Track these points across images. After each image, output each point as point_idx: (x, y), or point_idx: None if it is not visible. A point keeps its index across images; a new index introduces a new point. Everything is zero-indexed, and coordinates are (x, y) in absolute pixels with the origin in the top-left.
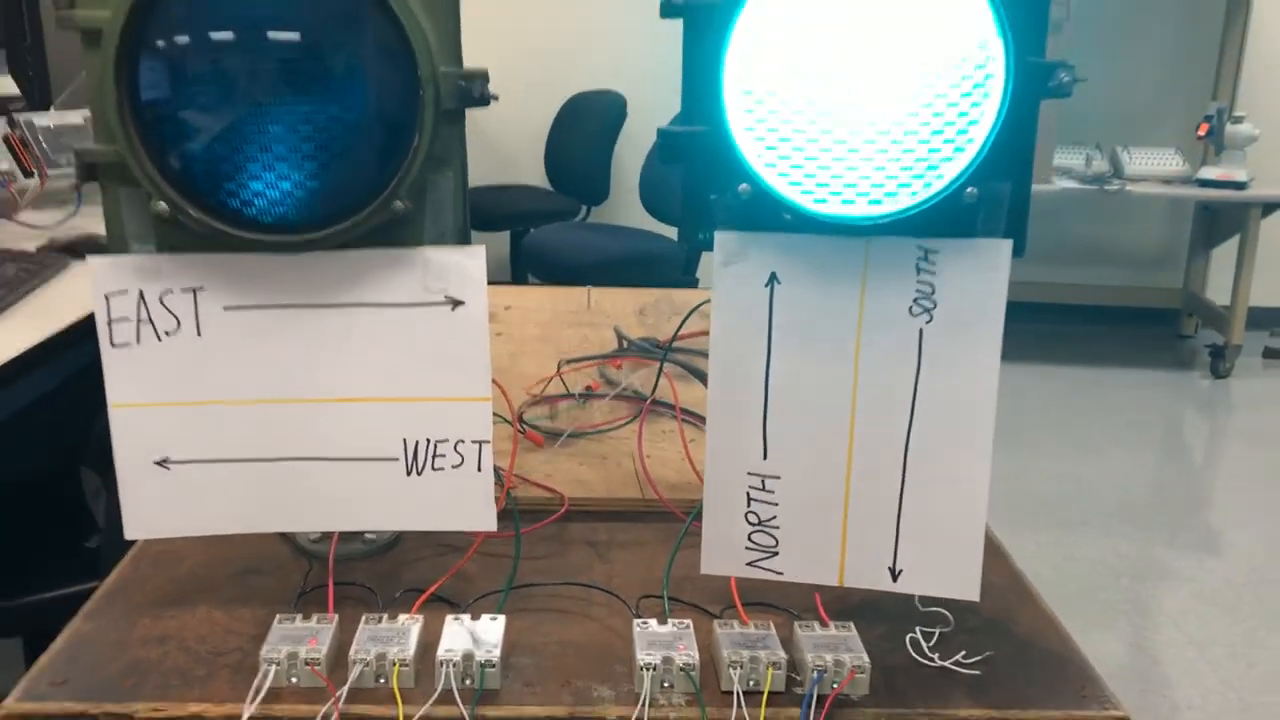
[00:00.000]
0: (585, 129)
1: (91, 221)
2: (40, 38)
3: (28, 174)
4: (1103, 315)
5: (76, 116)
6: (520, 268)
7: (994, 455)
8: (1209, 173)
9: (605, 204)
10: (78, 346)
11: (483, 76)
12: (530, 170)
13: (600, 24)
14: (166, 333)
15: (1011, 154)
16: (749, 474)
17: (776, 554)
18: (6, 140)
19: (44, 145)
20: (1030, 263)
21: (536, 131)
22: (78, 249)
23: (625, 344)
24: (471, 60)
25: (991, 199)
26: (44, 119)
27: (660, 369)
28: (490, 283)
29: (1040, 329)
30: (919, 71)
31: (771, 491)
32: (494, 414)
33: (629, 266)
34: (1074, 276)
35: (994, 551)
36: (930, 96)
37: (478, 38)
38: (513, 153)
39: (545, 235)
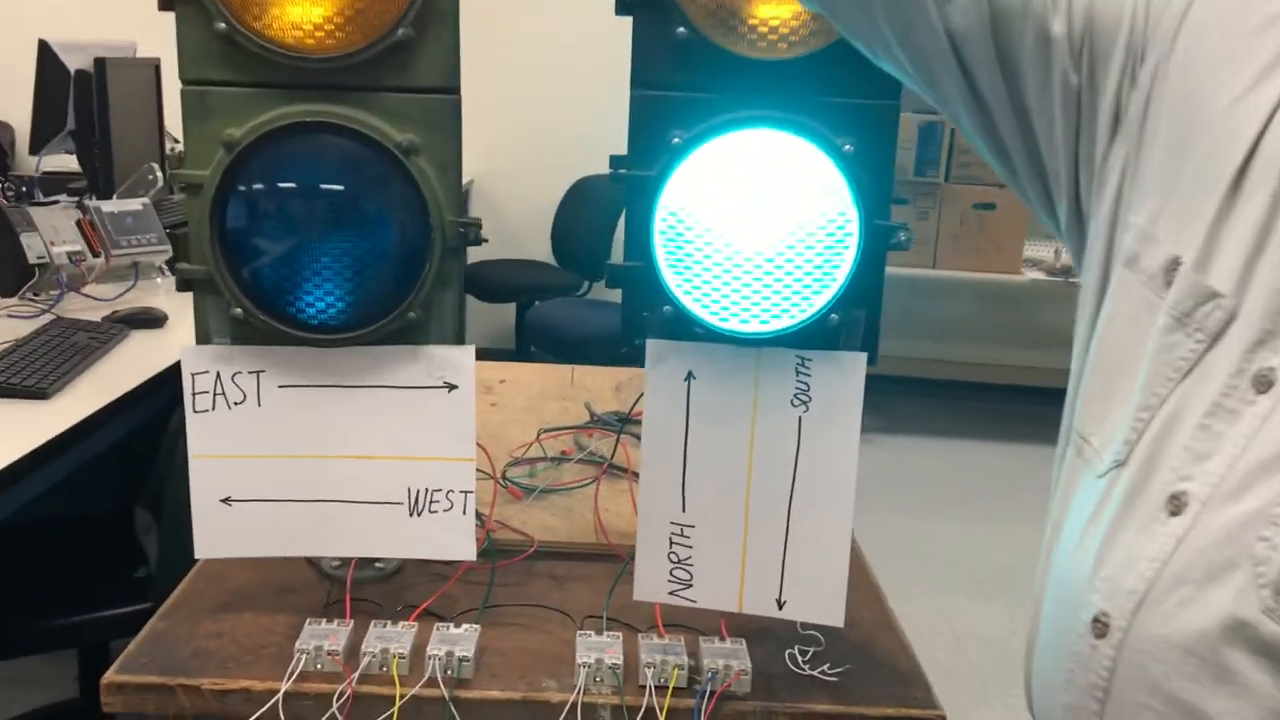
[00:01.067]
0: (590, 210)
1: (145, 295)
2: (108, 133)
3: (95, 254)
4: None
5: (136, 204)
6: (524, 338)
7: (965, 524)
8: None
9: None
10: (136, 406)
11: (476, 224)
12: (537, 246)
13: (608, 114)
14: (236, 403)
15: (864, 290)
16: (671, 523)
17: (691, 586)
18: (79, 224)
19: (108, 228)
20: (1001, 346)
21: (545, 210)
22: (135, 320)
23: (593, 417)
24: (492, 139)
25: (850, 323)
26: (109, 205)
27: (617, 439)
28: (494, 352)
29: (1012, 409)
30: (799, 228)
31: (688, 537)
32: (482, 472)
33: (621, 342)
34: (1045, 360)
35: (874, 595)
36: (804, 248)
37: (499, 121)
38: (522, 229)
39: (549, 310)
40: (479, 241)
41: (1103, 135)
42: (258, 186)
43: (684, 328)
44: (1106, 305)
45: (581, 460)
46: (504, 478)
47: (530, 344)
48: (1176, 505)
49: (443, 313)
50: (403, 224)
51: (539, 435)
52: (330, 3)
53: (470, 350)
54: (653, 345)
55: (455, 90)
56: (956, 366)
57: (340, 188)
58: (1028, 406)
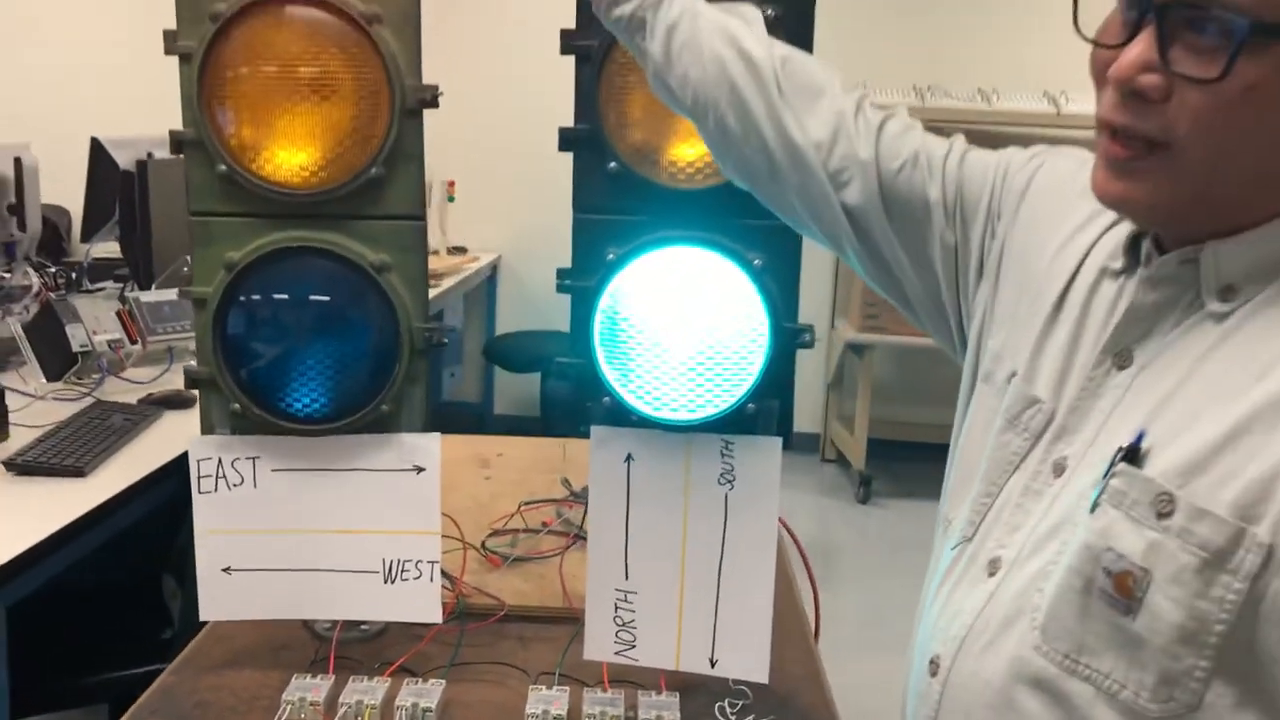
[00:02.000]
0: None
1: (178, 377)
2: (149, 227)
3: (133, 341)
4: None
5: (171, 294)
6: (548, 406)
7: None
8: None
9: None
10: (165, 481)
11: (439, 329)
12: (560, 317)
13: None
14: (235, 485)
15: (776, 383)
16: (615, 589)
17: (635, 646)
18: (119, 314)
19: (146, 317)
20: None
21: None
22: (169, 402)
23: (571, 492)
24: (521, 219)
25: (766, 411)
26: (147, 296)
27: (585, 510)
28: (519, 420)
29: None
30: (718, 331)
31: (631, 602)
32: (464, 542)
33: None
34: None
35: (808, 653)
36: (723, 348)
37: (529, 203)
38: (545, 303)
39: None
40: (444, 344)
41: (973, 279)
42: (254, 300)
43: (623, 416)
44: (969, 414)
45: (557, 531)
46: (484, 546)
47: (554, 412)
48: (993, 568)
49: (412, 405)
50: (377, 331)
51: (519, 507)
52: (314, 149)
53: (436, 437)
54: (596, 431)
55: (421, 217)
56: None
57: (323, 300)
58: None
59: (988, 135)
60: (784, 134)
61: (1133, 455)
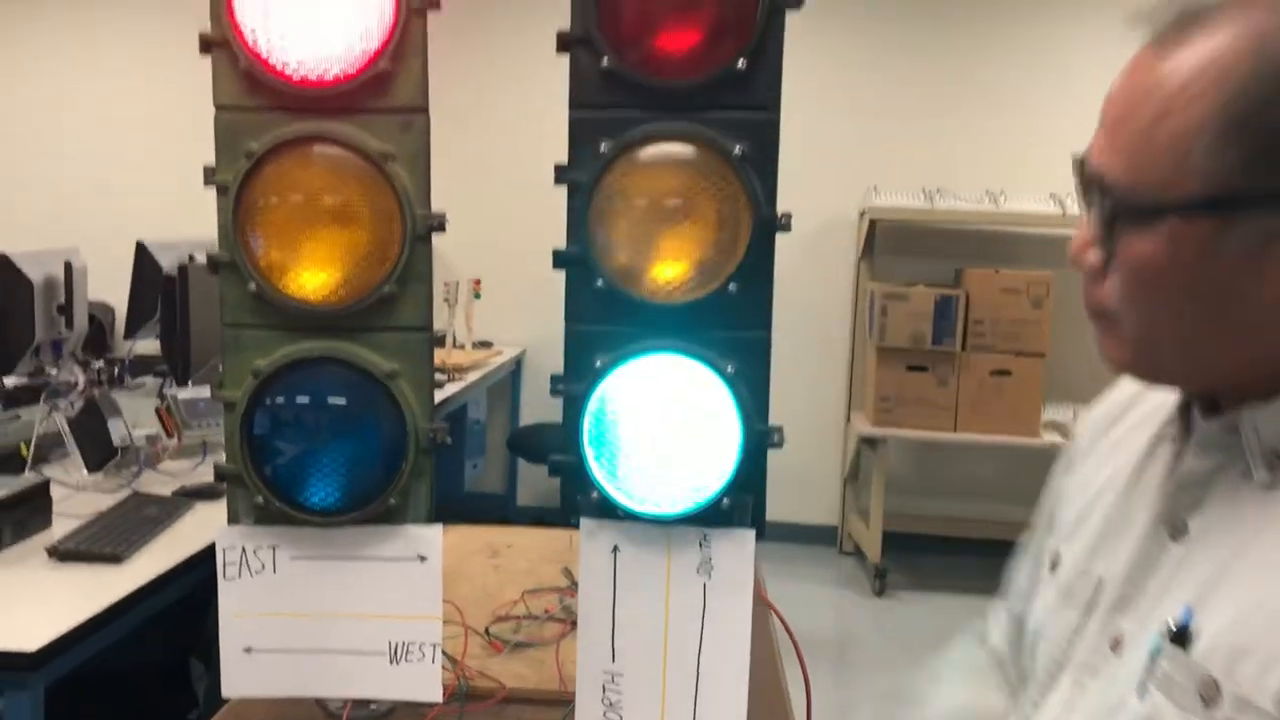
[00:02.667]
0: None
1: (211, 470)
2: (187, 328)
3: (169, 435)
4: None
5: (206, 391)
6: (569, 495)
7: None
8: None
9: None
10: (196, 569)
11: (444, 429)
12: None
13: None
14: (256, 572)
15: (749, 479)
16: (604, 672)
17: None
18: (157, 411)
19: (182, 412)
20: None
21: None
22: (201, 494)
23: (571, 581)
24: (544, 314)
25: (740, 506)
26: (183, 393)
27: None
28: (540, 510)
29: None
30: (695, 432)
31: (618, 684)
32: (467, 627)
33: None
34: None
35: None
36: (699, 448)
37: (552, 299)
38: None
39: None
40: (448, 444)
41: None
42: (277, 403)
43: (609, 509)
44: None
45: (557, 618)
46: (488, 632)
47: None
48: None
49: (417, 499)
50: (386, 432)
51: (522, 595)
52: (334, 270)
53: (437, 529)
54: (585, 523)
55: (428, 328)
56: (978, 524)
57: (339, 404)
58: None
59: (996, 235)
60: None
61: (1181, 635)
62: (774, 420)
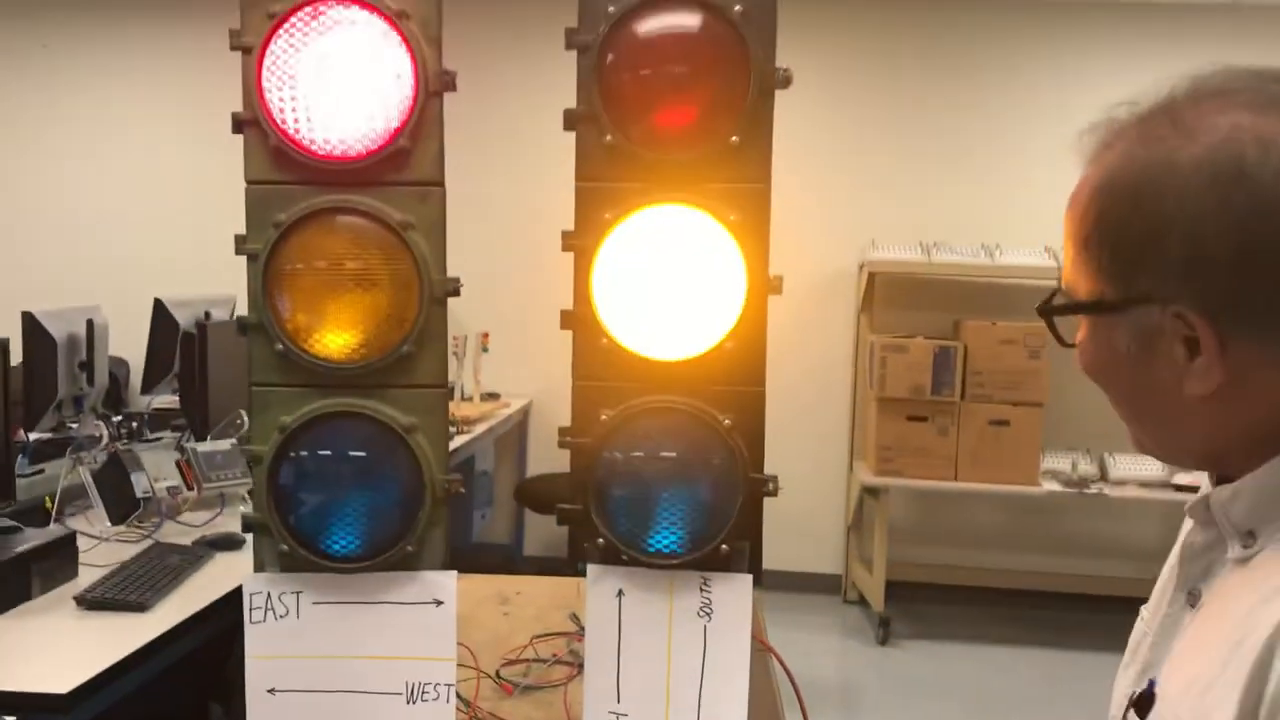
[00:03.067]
0: None
1: (229, 521)
2: (206, 385)
3: (189, 487)
4: (1106, 604)
5: (225, 444)
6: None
7: None
8: (1181, 478)
9: None
10: (214, 617)
11: (457, 480)
12: None
13: None
14: (281, 616)
15: (747, 527)
16: (609, 712)
17: None
18: (177, 464)
19: (202, 465)
20: (1023, 554)
21: None
22: (220, 544)
23: (579, 626)
24: (548, 365)
25: (738, 552)
26: (203, 446)
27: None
28: (547, 560)
29: (1035, 614)
30: (695, 481)
31: None
32: (479, 670)
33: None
34: (1066, 567)
35: None
36: (701, 497)
37: (560, 349)
38: None
39: None
40: (460, 493)
41: None
42: (302, 456)
43: (614, 555)
44: None
45: (565, 661)
46: (498, 675)
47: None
48: None
49: (433, 546)
50: (404, 482)
51: (531, 640)
52: (356, 332)
53: (452, 575)
54: (591, 569)
55: (444, 385)
56: (980, 573)
57: (360, 456)
58: (1051, 612)
59: (992, 288)
60: None
61: (1140, 703)
62: (778, 469)
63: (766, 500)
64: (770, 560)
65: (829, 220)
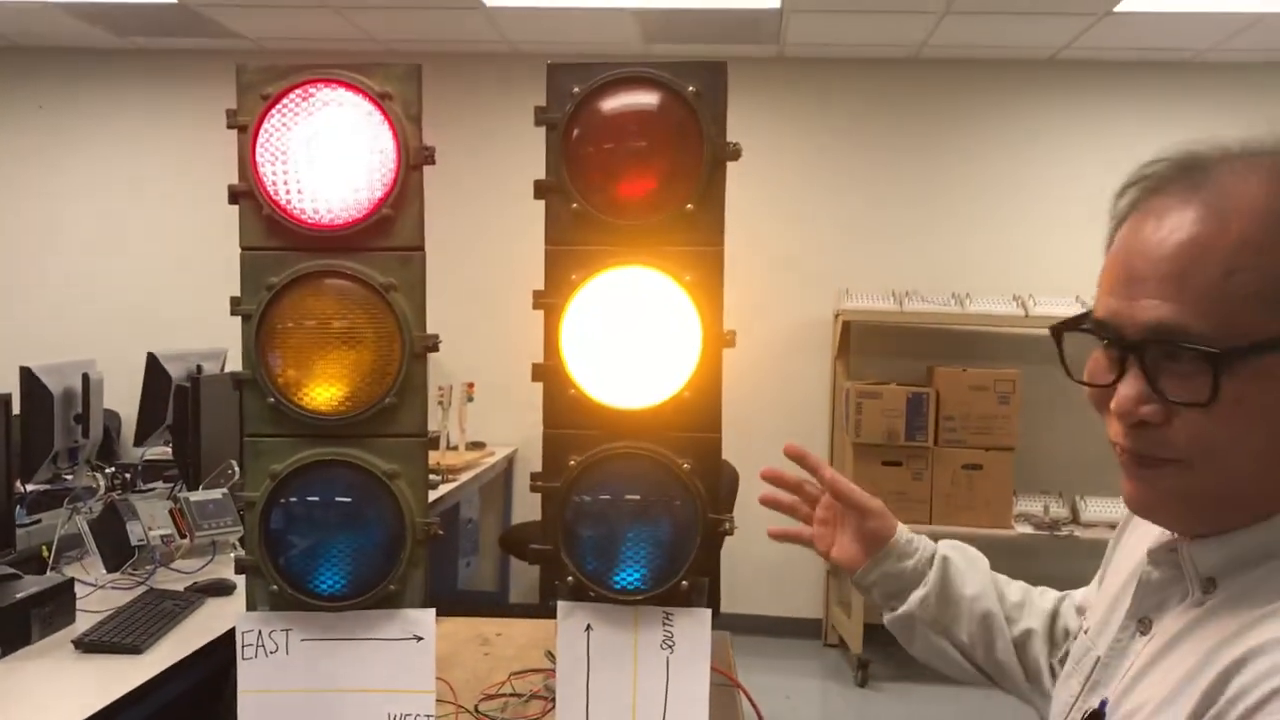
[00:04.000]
0: None
1: (221, 567)
2: (199, 436)
3: (182, 535)
4: None
5: (217, 493)
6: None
7: None
8: None
9: None
10: (207, 659)
11: (437, 523)
12: None
13: None
14: (271, 652)
15: (706, 564)
16: None
17: None
18: (170, 513)
19: (194, 514)
20: None
21: None
22: (211, 590)
23: (553, 662)
24: (538, 415)
25: (698, 587)
26: (195, 495)
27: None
28: (529, 608)
29: None
30: (657, 521)
31: None
32: (458, 705)
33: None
34: None
35: None
36: (662, 537)
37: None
38: None
39: None
40: (439, 536)
41: None
42: (291, 501)
43: (583, 592)
44: None
45: (541, 696)
46: (477, 710)
47: None
48: None
49: (414, 585)
50: (387, 525)
51: (509, 676)
52: (342, 386)
53: (431, 612)
54: (562, 605)
55: (423, 434)
56: None
57: (346, 501)
58: None
59: (962, 335)
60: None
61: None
62: (757, 514)
63: (747, 546)
64: (752, 605)
65: (804, 271)
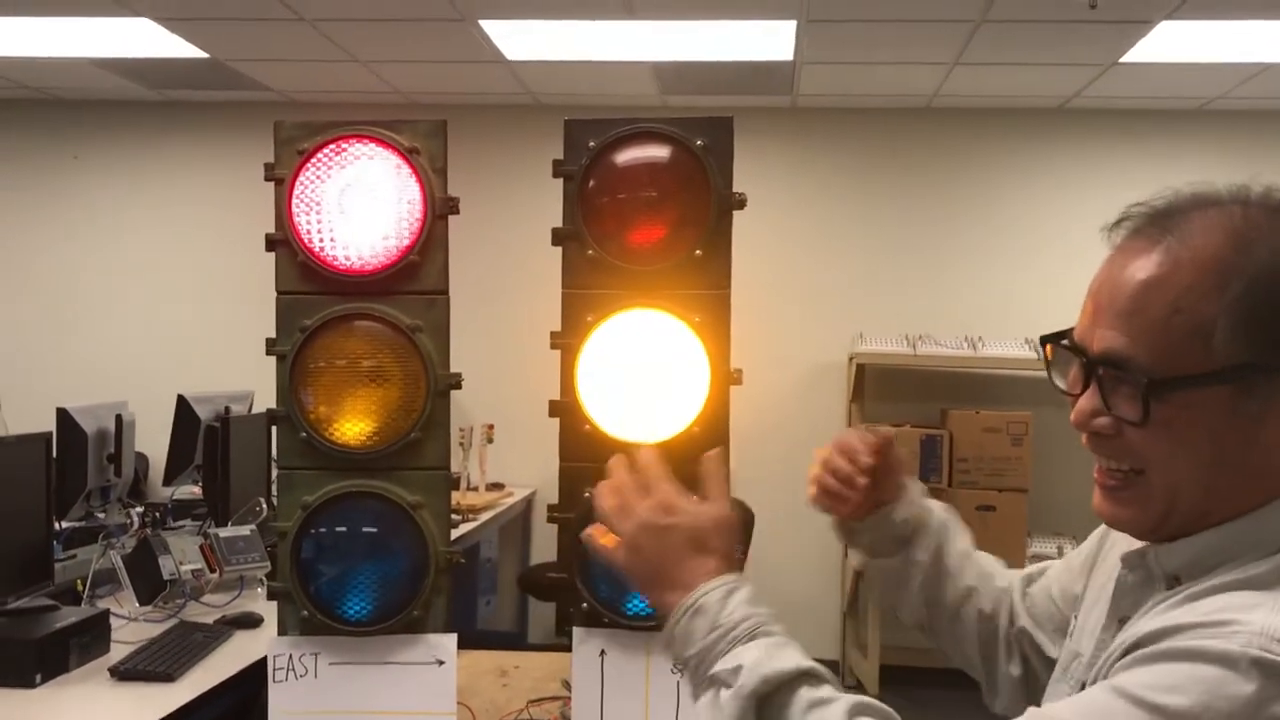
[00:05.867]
0: None
1: (248, 601)
2: (228, 474)
3: (211, 570)
4: None
5: (245, 530)
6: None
7: None
8: None
9: None
10: (235, 688)
11: (459, 552)
12: None
13: None
14: (300, 676)
15: None
16: None
17: None
18: (201, 548)
19: (223, 550)
20: None
21: None
22: (239, 623)
23: (569, 690)
24: (550, 458)
25: None
26: (224, 531)
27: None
28: (548, 646)
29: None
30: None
31: None
32: None
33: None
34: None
35: None
36: None
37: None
38: None
39: None
40: (461, 562)
41: None
42: (321, 531)
43: (597, 619)
44: None
45: None
46: None
47: None
48: None
49: (437, 611)
50: (411, 554)
51: (526, 704)
52: (370, 421)
53: (453, 637)
54: (577, 631)
55: (446, 468)
56: None
57: (373, 531)
58: None
59: (975, 378)
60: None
61: None
62: (776, 555)
63: (763, 588)
64: None
65: (818, 315)
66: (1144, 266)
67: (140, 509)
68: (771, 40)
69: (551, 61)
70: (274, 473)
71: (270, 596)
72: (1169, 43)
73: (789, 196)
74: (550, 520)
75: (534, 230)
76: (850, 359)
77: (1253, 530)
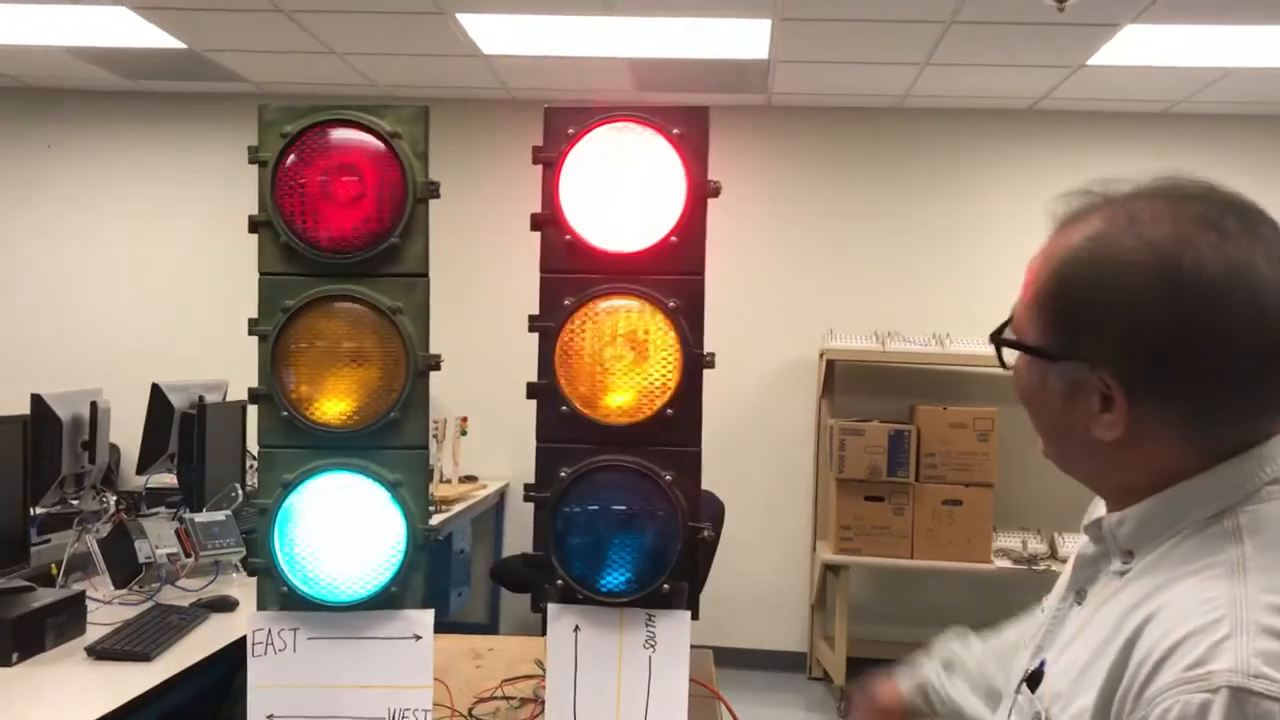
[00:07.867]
0: None
1: (223, 585)
2: (204, 460)
3: (187, 555)
4: None
5: (220, 515)
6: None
7: None
8: None
9: None
10: (211, 669)
11: (436, 529)
12: None
13: None
14: (279, 650)
15: (684, 568)
16: None
17: None
18: (177, 533)
19: (199, 535)
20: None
21: None
22: (214, 606)
23: (543, 670)
24: (531, 448)
25: (678, 590)
26: (200, 517)
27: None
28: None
29: None
30: (641, 529)
31: None
32: (454, 709)
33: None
34: None
35: None
36: (646, 541)
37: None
38: None
39: None
40: (439, 541)
41: None
42: (300, 508)
43: (571, 595)
44: None
45: (531, 700)
46: (470, 713)
47: None
48: None
49: (414, 587)
50: (389, 531)
51: (500, 683)
52: (351, 400)
53: (429, 612)
54: (552, 608)
55: (424, 446)
56: None
57: (351, 509)
58: None
59: (943, 375)
60: None
61: (1032, 679)
62: (746, 548)
63: (732, 579)
64: (737, 638)
65: (790, 312)
66: (1047, 249)
67: (115, 496)
68: (747, 38)
69: (528, 56)
70: (248, 460)
71: (250, 572)
72: (1135, 46)
73: (762, 194)
74: (527, 499)
75: (508, 223)
76: (821, 355)
77: (1178, 502)
